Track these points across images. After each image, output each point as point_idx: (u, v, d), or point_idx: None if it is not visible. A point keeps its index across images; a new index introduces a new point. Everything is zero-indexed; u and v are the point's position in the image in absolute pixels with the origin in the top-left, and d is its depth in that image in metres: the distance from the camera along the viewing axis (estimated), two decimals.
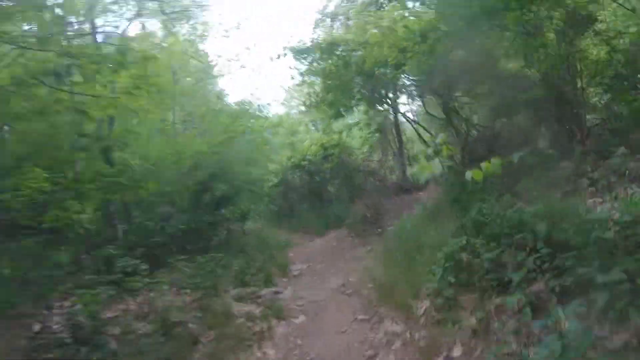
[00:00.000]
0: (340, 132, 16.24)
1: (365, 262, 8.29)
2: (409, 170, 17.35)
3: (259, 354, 5.99)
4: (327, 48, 12.98)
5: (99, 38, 8.38)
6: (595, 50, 8.24)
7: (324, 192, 17.38)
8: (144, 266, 7.52)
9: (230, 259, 10.00)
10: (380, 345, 5.11)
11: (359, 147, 16.21)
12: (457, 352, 4.05)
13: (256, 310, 7.29)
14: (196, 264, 8.32)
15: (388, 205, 13.30)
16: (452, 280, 4.71)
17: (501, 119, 10.38)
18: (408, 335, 4.85)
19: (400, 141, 17.23)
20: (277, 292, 8.18)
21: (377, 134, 16.77)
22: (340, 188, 16.77)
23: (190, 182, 10.96)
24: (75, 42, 6.02)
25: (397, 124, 17.26)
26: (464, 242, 4.89)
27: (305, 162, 15.87)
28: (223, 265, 9.36)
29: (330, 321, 6.47)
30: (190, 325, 6.35)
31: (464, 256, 4.78)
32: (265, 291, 8.17)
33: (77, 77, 5.14)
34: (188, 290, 7.55)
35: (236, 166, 11.97)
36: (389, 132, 17.59)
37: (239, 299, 7.83)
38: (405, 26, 9.75)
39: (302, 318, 6.97)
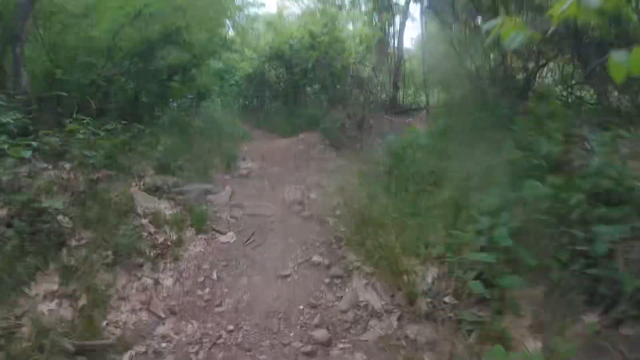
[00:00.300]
0: (334, 18, 12.89)
1: (337, 177, 5.86)
2: (401, 93, 14.60)
3: (146, 280, 3.66)
4: None
5: None
6: None
7: (301, 92, 14.54)
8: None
9: (163, 137, 7.39)
10: (341, 322, 2.82)
11: (352, 48, 13.03)
12: None
13: (169, 211, 4.89)
14: (103, 133, 5.64)
15: (374, 122, 10.76)
16: (510, 243, 2.36)
17: None
18: (394, 320, 2.57)
19: (400, 56, 14.23)
20: (208, 192, 5.73)
21: (376, 38, 13.62)
22: (320, 90, 13.89)
23: (135, 37, 7.93)
24: None
25: (400, 36, 14.18)
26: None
27: (286, 47, 12.67)
28: (148, 144, 6.76)
29: (270, 252, 4.14)
30: (60, 219, 3.85)
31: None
32: (193, 186, 5.71)
33: None
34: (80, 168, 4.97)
35: (198, 26, 8.78)
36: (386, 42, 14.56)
37: (153, 190, 5.36)
38: None
39: (230, 236, 4.62)
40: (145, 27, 7.95)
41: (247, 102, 16.94)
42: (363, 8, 15.15)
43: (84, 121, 5.45)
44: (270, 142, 9.71)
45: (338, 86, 13.08)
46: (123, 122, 7.12)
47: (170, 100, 9.98)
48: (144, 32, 7.89)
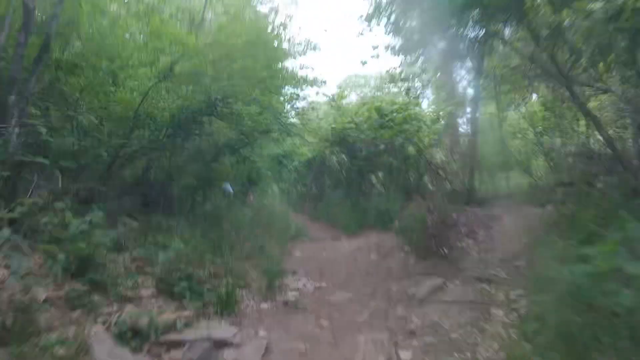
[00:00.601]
0: (408, 93, 10.70)
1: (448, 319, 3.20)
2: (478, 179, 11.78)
3: None
4: None
5: None
6: None
7: (365, 180, 12.29)
8: None
9: (189, 232, 5.19)
10: None
11: (429, 127, 10.67)
12: None
13: None
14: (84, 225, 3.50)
15: (457, 217, 8.12)
16: None
17: None
18: None
19: (475, 135, 11.47)
20: (225, 344, 3.23)
21: (447, 114, 11.26)
22: (388, 178, 11.46)
23: (171, 103, 6.19)
24: None
25: (474, 115, 11.75)
26: None
27: (350, 128, 10.59)
28: (156, 243, 4.53)
29: None
30: None
31: None
32: (201, 332, 3.26)
33: None
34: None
35: (247, 96, 6.92)
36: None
37: (129, 336, 2.99)
38: None
39: None
40: (185, 91, 6.28)
41: (305, 190, 14.97)
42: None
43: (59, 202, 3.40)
44: (331, 244, 7.25)
45: (410, 173, 10.66)
46: (145, 208, 5.12)
47: (215, 185, 8.02)
48: (182, 97, 6.19)
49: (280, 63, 7.51)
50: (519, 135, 11.45)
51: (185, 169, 6.91)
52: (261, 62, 6.49)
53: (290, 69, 8.06)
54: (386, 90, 13.22)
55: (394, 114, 9.63)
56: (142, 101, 5.66)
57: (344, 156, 13.03)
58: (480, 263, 5.51)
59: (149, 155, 6.40)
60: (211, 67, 5.98)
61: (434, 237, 7.30)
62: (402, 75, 8.92)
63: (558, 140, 10.39)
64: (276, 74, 7.39)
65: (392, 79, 9.25)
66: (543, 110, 9.58)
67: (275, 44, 7.19)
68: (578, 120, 8.40)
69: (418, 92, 9.34)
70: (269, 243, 6.28)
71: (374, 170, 12.01)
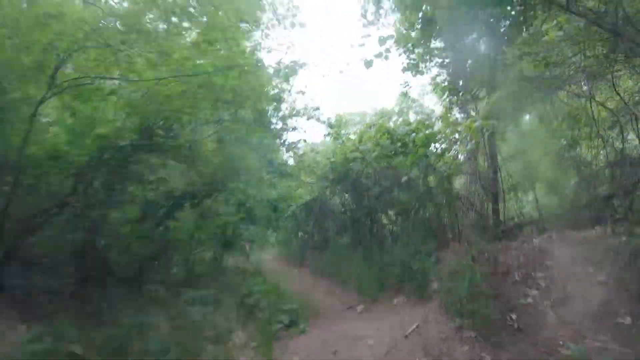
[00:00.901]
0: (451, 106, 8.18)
1: None
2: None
3: None
4: None
5: None
6: None
7: (377, 223, 9.85)
8: None
9: None
10: None
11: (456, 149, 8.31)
12: None
13: None
14: None
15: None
16: None
17: None
18: None
19: (494, 155, 8.97)
20: None
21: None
22: (405, 218, 8.87)
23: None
24: None
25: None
26: None
27: (355, 157, 8.25)
28: None
29: None
30: None
31: None
32: None
33: None
34: None
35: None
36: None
37: None
38: None
39: None
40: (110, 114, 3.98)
41: (307, 238, 12.49)
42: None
43: None
44: (344, 329, 4.60)
45: (430, 208, 8.12)
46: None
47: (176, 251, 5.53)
48: (102, 122, 3.89)
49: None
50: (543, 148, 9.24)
51: (125, 232, 4.55)
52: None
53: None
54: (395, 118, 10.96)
55: (412, 135, 7.29)
56: (26, 135, 3.41)
57: (347, 196, 10.71)
58: (566, 328, 3.79)
59: (63, 217, 4.10)
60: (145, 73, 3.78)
61: (494, 298, 4.94)
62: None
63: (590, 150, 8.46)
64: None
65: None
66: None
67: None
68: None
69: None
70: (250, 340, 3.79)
71: (387, 210, 9.56)
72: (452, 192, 7.12)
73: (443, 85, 8.29)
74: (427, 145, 6.93)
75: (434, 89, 8.87)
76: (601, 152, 8.34)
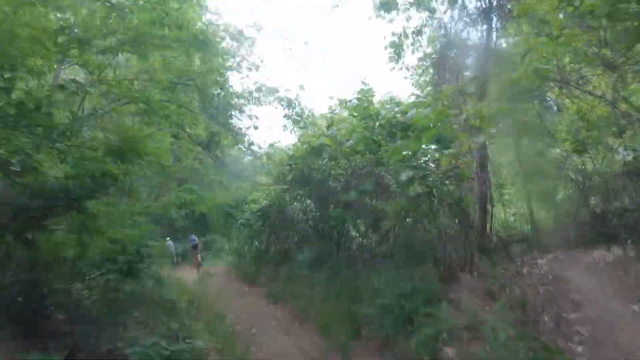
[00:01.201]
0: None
1: None
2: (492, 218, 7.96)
3: None
4: None
5: None
6: None
7: (346, 237, 8.22)
8: None
9: None
10: None
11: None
12: None
13: None
14: None
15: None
16: None
17: None
18: None
19: (484, 163, 7.55)
20: None
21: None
22: (385, 233, 7.10)
23: None
24: None
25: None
26: None
27: (324, 145, 6.39)
28: None
29: None
30: None
31: None
32: None
33: None
34: None
35: None
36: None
37: None
38: None
39: None
40: None
41: (263, 249, 10.57)
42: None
43: None
44: None
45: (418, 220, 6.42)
46: None
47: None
48: None
49: None
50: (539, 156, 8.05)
51: None
52: None
53: None
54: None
55: (412, 110, 5.39)
56: None
57: (309, 202, 8.96)
58: None
59: None
60: None
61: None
62: None
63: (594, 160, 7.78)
64: None
65: None
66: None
67: None
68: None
69: None
70: None
71: (354, 218, 7.75)
72: (460, 203, 5.40)
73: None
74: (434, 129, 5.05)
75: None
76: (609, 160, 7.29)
